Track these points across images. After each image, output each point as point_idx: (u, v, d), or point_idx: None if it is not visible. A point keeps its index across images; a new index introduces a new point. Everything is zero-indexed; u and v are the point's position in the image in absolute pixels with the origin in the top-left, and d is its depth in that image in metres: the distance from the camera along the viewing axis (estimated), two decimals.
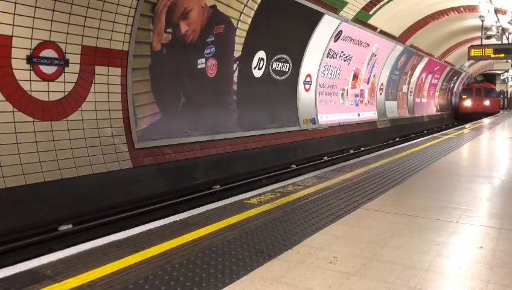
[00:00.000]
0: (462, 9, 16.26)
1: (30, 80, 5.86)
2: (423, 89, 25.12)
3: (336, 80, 14.79)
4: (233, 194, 6.35)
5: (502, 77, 38.37)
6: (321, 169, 7.25)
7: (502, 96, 41.09)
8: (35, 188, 5.83)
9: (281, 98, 11.95)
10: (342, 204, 4.37)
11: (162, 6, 7.50)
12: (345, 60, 14.76)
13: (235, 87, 10.09)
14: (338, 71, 14.68)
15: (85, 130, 6.60)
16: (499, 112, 33.57)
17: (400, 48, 18.00)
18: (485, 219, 3.98)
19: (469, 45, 17.95)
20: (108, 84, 6.95)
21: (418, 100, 24.44)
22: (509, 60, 19.02)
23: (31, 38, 5.78)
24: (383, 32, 15.68)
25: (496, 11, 15.22)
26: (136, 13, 7.04)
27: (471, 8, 15.93)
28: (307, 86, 13.05)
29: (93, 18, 6.44)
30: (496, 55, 15.45)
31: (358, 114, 16.76)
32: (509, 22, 15.85)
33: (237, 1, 9.14)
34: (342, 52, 14.26)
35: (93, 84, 6.71)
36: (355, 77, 16.15)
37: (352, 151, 13.89)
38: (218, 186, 8.31)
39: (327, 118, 14.23)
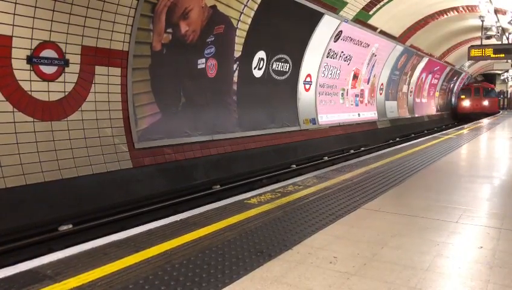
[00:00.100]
0: (462, 9, 16.26)
1: (30, 80, 5.86)
2: (423, 89, 25.12)
3: (336, 80, 14.79)
4: (233, 194, 6.36)
5: (502, 77, 38.36)
6: (321, 169, 7.25)
7: (502, 96, 41.07)
8: (35, 188, 5.83)
9: (281, 98, 11.95)
10: (342, 204, 4.37)
11: (162, 6, 7.50)
12: (345, 60, 14.76)
13: (235, 87, 10.09)
14: (338, 71, 14.68)
15: (85, 130, 6.60)
16: (499, 112, 33.48)
17: (400, 48, 18.00)
18: (485, 219, 3.97)
19: (469, 45, 17.95)
20: (108, 84, 6.95)
21: (418, 100, 24.44)
22: (509, 60, 19.02)
23: (31, 39, 5.78)
24: (383, 33, 15.68)
25: (496, 11, 15.22)
26: (136, 13, 7.04)
27: (471, 8, 15.93)
28: (307, 86, 13.05)
29: (93, 18, 6.45)
30: (496, 55, 15.45)
31: (359, 114, 16.76)
32: (509, 22, 15.85)
33: (237, 1, 9.14)
34: (342, 52, 14.26)
35: (93, 84, 6.71)
36: (355, 77, 16.15)
37: (352, 151, 13.89)
38: (218, 186, 8.31)
39: (327, 118, 14.23)
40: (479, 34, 17.62)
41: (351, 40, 14.25)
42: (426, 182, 5.75)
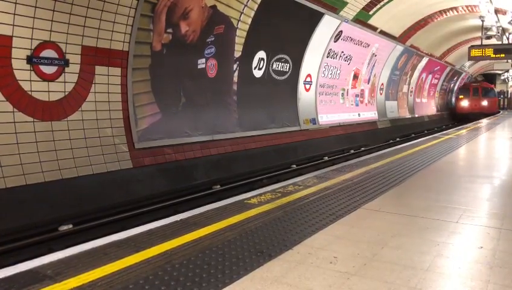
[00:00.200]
0: (462, 9, 16.25)
1: (30, 80, 5.86)
2: (423, 89, 25.11)
3: (336, 80, 14.78)
4: (233, 194, 6.35)
5: (502, 77, 38.35)
6: (322, 169, 7.25)
7: (502, 96, 41.04)
8: (35, 188, 5.83)
9: (281, 98, 11.95)
10: (342, 204, 4.37)
11: (162, 6, 7.50)
12: (345, 60, 14.76)
13: (235, 87, 10.09)
14: (338, 71, 14.68)
15: (85, 130, 6.60)
16: (499, 112, 33.39)
17: (400, 48, 18.00)
18: (485, 219, 3.97)
19: (469, 45, 17.96)
20: (108, 84, 6.95)
21: (418, 100, 24.44)
22: (510, 60, 19.03)
23: (31, 39, 5.78)
24: (383, 33, 15.68)
25: (496, 11, 15.22)
26: (136, 13, 7.04)
27: (472, 8, 15.93)
28: (307, 86, 13.05)
29: (93, 18, 6.45)
30: (496, 55, 15.46)
31: (359, 114, 16.76)
32: (509, 22, 15.85)
33: (237, 1, 9.14)
34: (342, 52, 14.26)
35: (93, 84, 6.71)
36: (355, 77, 16.15)
37: (352, 151, 13.89)
38: (219, 186, 8.31)
39: (327, 118, 14.23)
40: (479, 34, 17.63)
41: (351, 40, 14.25)
42: (426, 182, 5.75)
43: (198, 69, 8.89)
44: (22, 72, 5.75)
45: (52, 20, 5.94)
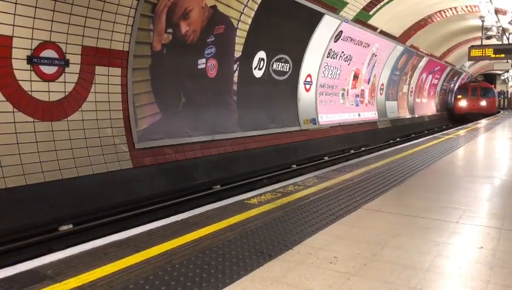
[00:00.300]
0: (462, 9, 16.25)
1: (30, 80, 5.87)
2: (423, 89, 25.11)
3: (336, 80, 14.79)
4: (234, 194, 6.36)
5: (502, 77, 38.37)
6: (322, 169, 7.25)
7: (502, 96, 41.01)
8: (36, 188, 5.83)
9: (281, 98, 11.95)
10: (342, 204, 4.37)
11: (162, 6, 7.51)
12: (345, 60, 14.76)
13: (235, 87, 10.09)
14: (338, 71, 14.68)
15: (85, 130, 6.61)
16: (499, 112, 33.30)
17: (400, 48, 18.00)
18: (485, 219, 3.97)
19: (469, 45, 17.97)
20: (108, 84, 6.95)
21: (418, 100, 24.44)
22: (510, 60, 19.03)
23: (32, 39, 5.78)
24: (383, 33, 15.68)
25: (496, 12, 15.22)
26: (136, 13, 7.04)
27: (472, 8, 15.93)
28: (307, 86, 13.05)
29: (93, 18, 6.45)
30: (496, 56, 15.47)
31: (359, 114, 16.76)
32: (509, 22, 15.86)
33: (237, 1, 9.14)
34: (342, 52, 14.26)
35: (93, 85, 6.71)
36: (355, 77, 16.15)
37: (353, 151, 13.89)
38: (219, 186, 8.31)
39: (327, 118, 14.23)
40: (479, 34, 17.64)
41: (351, 40, 14.25)
42: (427, 182, 5.75)
43: (199, 69, 8.90)
44: (22, 72, 5.75)
45: (52, 21, 5.95)
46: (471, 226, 3.71)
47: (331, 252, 3.02)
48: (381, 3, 13.36)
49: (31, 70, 5.85)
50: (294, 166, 10.86)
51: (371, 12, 13.65)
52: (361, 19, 13.67)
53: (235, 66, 9.97)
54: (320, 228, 3.57)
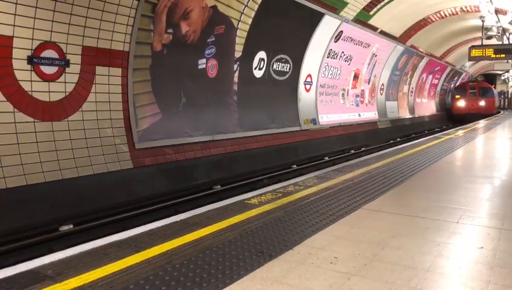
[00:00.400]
0: (462, 9, 16.25)
1: (31, 81, 5.87)
2: (424, 89, 25.11)
3: (337, 80, 14.79)
4: (234, 194, 6.36)
5: (502, 77, 38.38)
6: (322, 169, 7.25)
7: (502, 96, 40.99)
8: (36, 189, 5.83)
9: (281, 99, 11.96)
10: (342, 204, 4.37)
11: (162, 6, 7.51)
12: (345, 61, 14.76)
13: (235, 87, 10.09)
14: (338, 71, 14.68)
15: (86, 131, 6.61)
16: (499, 112, 33.21)
17: (400, 48, 18.00)
18: (485, 219, 3.97)
19: (469, 45, 17.96)
20: (109, 84, 6.96)
21: (418, 100, 24.43)
22: (510, 61, 19.02)
23: (32, 39, 5.79)
24: (383, 33, 15.68)
25: (497, 12, 15.22)
26: (137, 14, 7.05)
27: (472, 9, 15.93)
28: (308, 86, 13.05)
29: (93, 18, 6.45)
30: (497, 56, 15.47)
31: (359, 114, 16.76)
32: (509, 23, 15.85)
33: (238, 1, 9.14)
34: (343, 52, 14.26)
35: (93, 85, 6.72)
36: (355, 77, 16.15)
37: (353, 151, 13.89)
38: (219, 186, 8.32)
39: (328, 118, 14.23)
40: (480, 34, 17.63)
41: (351, 40, 14.25)
42: (427, 182, 5.75)
43: (199, 69, 8.90)
44: (22, 72, 5.75)
45: (52, 21, 5.95)
46: (471, 226, 3.71)
47: (331, 252, 3.02)
48: (382, 4, 13.36)
49: (31, 70, 5.85)
50: (295, 166, 10.86)
51: (371, 13, 13.65)
52: (362, 19, 13.67)
53: (236, 66, 9.97)
54: (320, 228, 3.57)
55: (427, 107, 26.52)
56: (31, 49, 5.80)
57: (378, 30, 15.23)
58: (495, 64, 23.87)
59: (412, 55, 19.95)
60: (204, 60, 8.96)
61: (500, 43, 17.76)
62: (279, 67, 11.53)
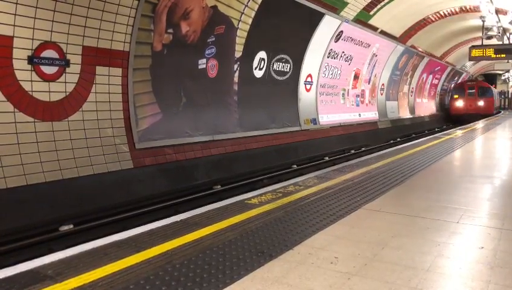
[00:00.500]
0: (462, 9, 16.25)
1: (31, 81, 5.87)
2: (424, 89, 25.10)
3: (337, 80, 14.79)
4: (234, 194, 6.36)
5: (503, 77, 38.37)
6: (322, 169, 7.25)
7: (502, 96, 40.97)
8: (36, 188, 5.83)
9: (281, 98, 11.96)
10: (342, 204, 4.37)
11: (162, 6, 7.51)
12: (345, 60, 14.76)
13: (235, 87, 10.09)
14: (339, 71, 14.68)
15: (86, 131, 6.61)
16: (499, 112, 33.15)
17: (400, 48, 18.00)
18: (486, 219, 3.97)
19: (470, 45, 17.96)
20: (109, 84, 6.96)
21: (419, 100, 24.43)
22: (510, 60, 19.01)
23: (32, 39, 5.79)
24: (383, 33, 15.68)
25: (497, 12, 15.22)
26: (137, 14, 7.05)
27: (472, 9, 15.92)
28: (308, 86, 13.05)
29: (94, 18, 6.45)
30: (497, 56, 15.47)
31: (359, 114, 16.76)
32: (510, 22, 15.86)
33: (238, 1, 9.14)
34: (343, 52, 14.26)
35: (94, 85, 6.72)
36: (356, 77, 16.15)
37: (353, 151, 13.89)
38: (219, 186, 8.32)
39: (328, 118, 14.23)
40: (480, 34, 17.64)
41: (351, 40, 14.25)
42: (427, 182, 5.75)
43: (199, 69, 8.90)
44: (22, 72, 5.76)
45: (52, 21, 5.95)
46: (471, 226, 3.71)
47: (331, 252, 3.02)
48: (382, 4, 13.37)
49: (31, 70, 5.85)
50: (295, 166, 10.86)
51: (371, 13, 13.65)
52: (362, 19, 13.67)
53: (236, 66, 9.97)
54: (320, 228, 3.56)
55: (427, 107, 26.50)
56: (31, 49, 5.81)
57: (379, 30, 15.23)
58: (495, 64, 23.82)
59: (412, 55, 19.95)
60: (204, 60, 8.96)
61: (501, 43, 17.77)
62: (280, 67, 11.53)
